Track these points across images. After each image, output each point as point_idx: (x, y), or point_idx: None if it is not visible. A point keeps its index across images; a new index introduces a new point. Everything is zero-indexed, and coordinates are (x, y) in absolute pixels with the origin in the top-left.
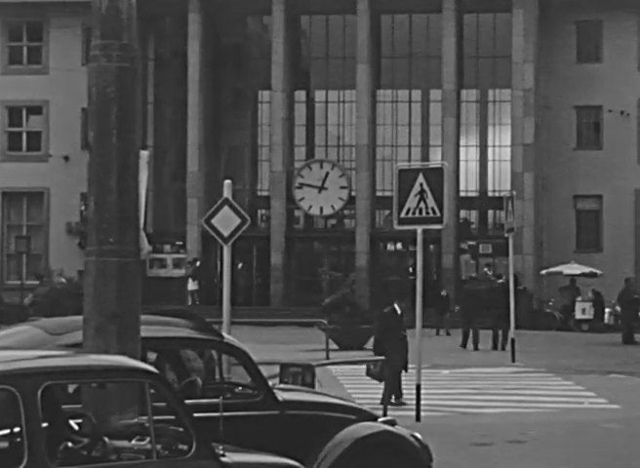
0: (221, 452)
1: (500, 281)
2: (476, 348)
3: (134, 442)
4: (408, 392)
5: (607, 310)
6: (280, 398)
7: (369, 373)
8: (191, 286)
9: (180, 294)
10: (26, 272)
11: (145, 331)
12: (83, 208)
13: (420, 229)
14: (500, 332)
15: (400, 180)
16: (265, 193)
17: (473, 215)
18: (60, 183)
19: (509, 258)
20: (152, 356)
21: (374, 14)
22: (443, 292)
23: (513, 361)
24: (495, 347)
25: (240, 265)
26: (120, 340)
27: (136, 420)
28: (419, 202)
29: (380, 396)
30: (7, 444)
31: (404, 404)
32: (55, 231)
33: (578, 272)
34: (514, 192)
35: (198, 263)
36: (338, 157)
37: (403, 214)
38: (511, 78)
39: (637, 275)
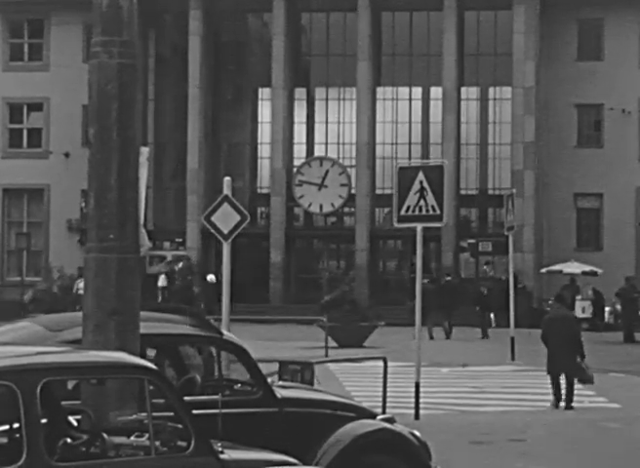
0: (220, 449)
1: (448, 279)
2: (431, 338)
3: (132, 438)
4: (407, 391)
5: (607, 309)
6: (279, 395)
7: (584, 381)
8: (162, 282)
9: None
10: (26, 269)
11: (145, 328)
12: (83, 204)
13: (419, 227)
14: (447, 324)
15: (400, 178)
16: (265, 190)
17: (473, 213)
18: (61, 180)
19: (509, 257)
20: (152, 353)
21: (374, 11)
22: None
23: (513, 359)
24: (447, 337)
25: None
26: (119, 337)
27: (134, 417)
28: (418, 200)
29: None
30: (6, 439)
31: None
32: (55, 228)
33: (578, 271)
34: (514, 190)
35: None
36: (338, 155)
37: (403, 212)
38: (512, 76)
39: (637, 274)
